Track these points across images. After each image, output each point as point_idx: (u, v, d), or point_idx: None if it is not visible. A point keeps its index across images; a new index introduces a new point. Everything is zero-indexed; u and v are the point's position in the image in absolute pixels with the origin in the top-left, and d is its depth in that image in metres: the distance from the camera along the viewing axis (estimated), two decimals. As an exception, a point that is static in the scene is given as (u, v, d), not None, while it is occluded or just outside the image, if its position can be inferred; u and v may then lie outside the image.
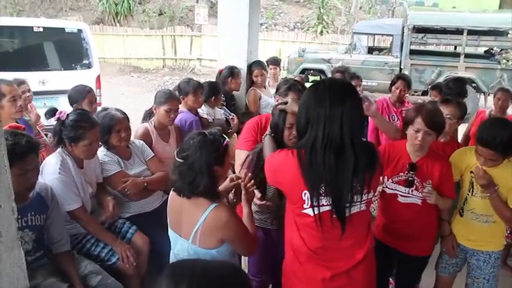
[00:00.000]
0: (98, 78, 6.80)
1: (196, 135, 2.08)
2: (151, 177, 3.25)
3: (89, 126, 2.75)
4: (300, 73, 10.88)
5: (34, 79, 5.76)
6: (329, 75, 9.60)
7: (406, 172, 2.62)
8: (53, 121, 2.87)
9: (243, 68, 5.09)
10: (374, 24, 12.84)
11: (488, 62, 10.80)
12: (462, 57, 10.57)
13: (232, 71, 4.94)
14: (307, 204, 1.87)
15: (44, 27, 6.58)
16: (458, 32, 10.57)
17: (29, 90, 4.22)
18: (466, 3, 15.92)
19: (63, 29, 6.86)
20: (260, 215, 2.65)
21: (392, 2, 19.75)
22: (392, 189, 2.72)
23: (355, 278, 2.00)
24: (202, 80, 4.73)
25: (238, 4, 4.95)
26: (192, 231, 2.03)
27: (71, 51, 6.90)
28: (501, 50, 10.89)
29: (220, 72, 5.01)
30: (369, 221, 2.07)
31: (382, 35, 12.79)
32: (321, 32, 18.03)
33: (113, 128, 3.06)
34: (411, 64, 10.82)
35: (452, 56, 11.41)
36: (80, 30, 6.87)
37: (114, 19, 18.68)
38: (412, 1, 16.79)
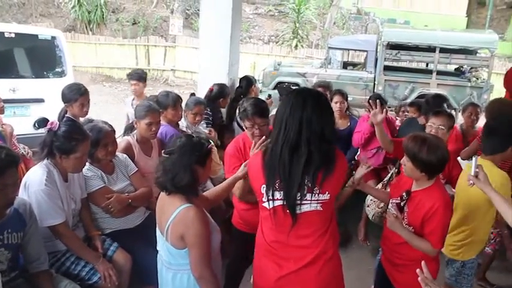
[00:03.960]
0: (72, 87, 6.58)
1: (183, 136, 2.29)
2: (135, 194, 3.13)
3: (81, 138, 2.63)
4: (275, 86, 10.89)
5: (4, 87, 5.56)
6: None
7: (400, 197, 2.63)
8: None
9: (224, 80, 5.04)
10: (349, 40, 13.00)
11: (459, 79, 11.05)
12: (434, 74, 10.79)
13: (223, 92, 4.90)
14: (265, 198, 2.04)
15: (15, 33, 6.30)
16: (430, 49, 10.80)
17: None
18: (436, 22, 16.42)
19: (36, 35, 6.60)
20: None
21: (366, 18, 20.15)
22: (389, 208, 2.77)
23: (304, 279, 2.07)
24: (176, 91, 4.62)
25: (221, 17, 4.91)
26: (165, 228, 2.15)
27: (44, 58, 6.63)
28: (471, 68, 11.21)
29: (211, 90, 4.90)
30: (327, 224, 2.09)
31: (357, 50, 12.94)
32: (296, 46, 18.15)
33: (101, 141, 2.93)
34: (385, 80, 10.97)
35: (425, 72, 11.65)
36: (53, 38, 6.62)
37: (86, 27, 18.29)
38: (384, 18, 17.20)
